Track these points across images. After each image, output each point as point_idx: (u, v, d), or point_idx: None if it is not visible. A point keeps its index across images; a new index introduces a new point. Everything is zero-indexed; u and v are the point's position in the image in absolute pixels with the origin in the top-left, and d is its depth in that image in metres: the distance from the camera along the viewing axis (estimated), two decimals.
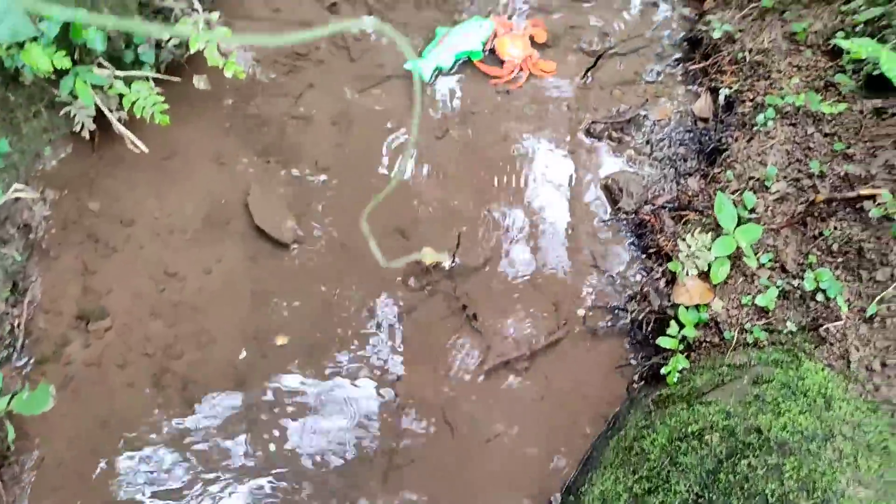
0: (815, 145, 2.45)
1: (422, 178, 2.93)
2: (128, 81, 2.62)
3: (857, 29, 2.61)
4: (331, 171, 2.92)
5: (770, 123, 2.62)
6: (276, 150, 2.99)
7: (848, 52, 2.46)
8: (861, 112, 2.42)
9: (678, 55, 3.27)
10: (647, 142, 2.98)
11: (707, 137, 2.92)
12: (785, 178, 2.46)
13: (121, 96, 2.60)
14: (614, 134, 2.98)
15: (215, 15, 2.76)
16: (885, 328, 1.99)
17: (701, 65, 3.13)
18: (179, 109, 2.91)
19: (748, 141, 2.67)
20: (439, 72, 3.18)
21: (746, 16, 3.01)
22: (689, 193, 2.76)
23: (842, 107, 2.42)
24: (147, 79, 2.66)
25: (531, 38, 3.31)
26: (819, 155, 2.42)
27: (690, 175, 2.86)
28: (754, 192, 2.47)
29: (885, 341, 1.97)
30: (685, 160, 2.91)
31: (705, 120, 3.00)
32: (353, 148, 2.99)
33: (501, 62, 3.24)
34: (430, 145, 3.01)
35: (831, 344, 2.04)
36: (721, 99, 2.95)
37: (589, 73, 3.17)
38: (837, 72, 2.58)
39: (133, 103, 2.60)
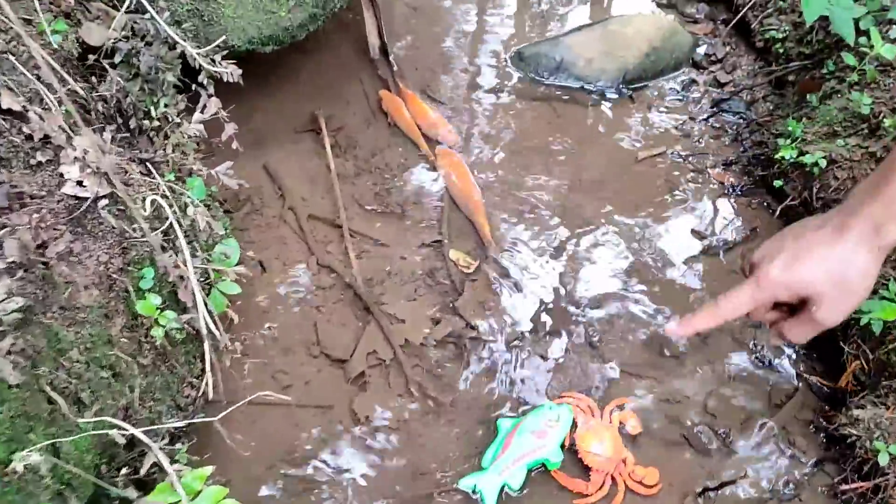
0: None
1: None
2: None
3: None
4: None
5: None
6: None
7: None
8: None
9: (815, 457, 2.48)
10: None
11: None
12: None
13: None
14: None
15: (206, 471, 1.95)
16: None
17: (855, 486, 2.33)
18: None
19: None
20: (504, 490, 2.37)
21: None
22: None
23: None
24: None
25: (620, 427, 2.53)
26: None
27: None
28: None
29: None
30: None
31: None
32: None
33: (586, 468, 2.44)
34: None
35: None
36: None
37: (708, 496, 2.37)
38: None
39: None
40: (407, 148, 3.29)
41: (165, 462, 1.85)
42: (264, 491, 2.34)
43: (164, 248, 2.09)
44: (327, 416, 2.52)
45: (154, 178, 2.18)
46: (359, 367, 2.61)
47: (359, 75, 3.51)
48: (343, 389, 2.57)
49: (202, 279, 2.32)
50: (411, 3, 3.91)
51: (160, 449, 1.99)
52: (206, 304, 2.10)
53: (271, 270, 2.80)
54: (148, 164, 2.19)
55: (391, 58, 3.53)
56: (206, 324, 2.09)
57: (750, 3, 3.61)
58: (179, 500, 1.96)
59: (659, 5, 4.04)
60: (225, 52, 2.44)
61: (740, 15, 3.63)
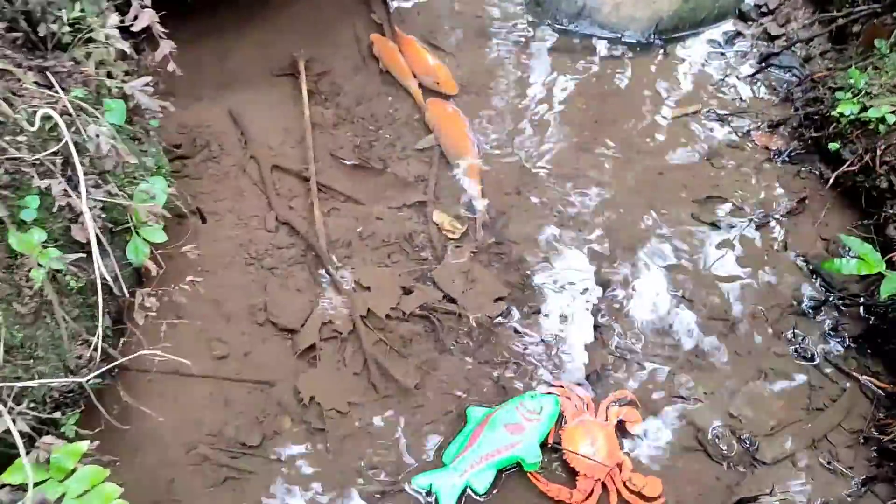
0: None
1: None
2: None
3: None
4: None
5: None
6: None
7: None
8: None
9: (863, 474, 1.97)
10: None
11: None
12: None
13: None
14: None
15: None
16: None
17: None
18: None
19: None
20: (465, 493, 1.93)
21: None
22: None
23: None
24: None
25: (621, 427, 2.07)
26: None
27: None
28: None
29: None
30: None
31: None
32: None
33: (572, 472, 1.98)
34: None
35: None
36: None
37: None
38: None
39: None
40: (398, 97, 2.87)
41: (15, 430, 1.47)
42: (180, 477, 1.95)
43: (55, 175, 1.71)
44: (266, 393, 2.12)
45: (56, 92, 1.80)
46: (310, 338, 2.20)
47: (351, 17, 3.11)
48: (289, 364, 2.17)
49: (120, 227, 1.95)
50: None
51: (29, 415, 1.62)
52: (102, 244, 1.72)
53: (222, 224, 2.42)
54: (49, 74, 1.82)
55: None
56: (100, 268, 1.71)
57: None
58: (46, 481, 1.59)
59: None
60: None
61: None
